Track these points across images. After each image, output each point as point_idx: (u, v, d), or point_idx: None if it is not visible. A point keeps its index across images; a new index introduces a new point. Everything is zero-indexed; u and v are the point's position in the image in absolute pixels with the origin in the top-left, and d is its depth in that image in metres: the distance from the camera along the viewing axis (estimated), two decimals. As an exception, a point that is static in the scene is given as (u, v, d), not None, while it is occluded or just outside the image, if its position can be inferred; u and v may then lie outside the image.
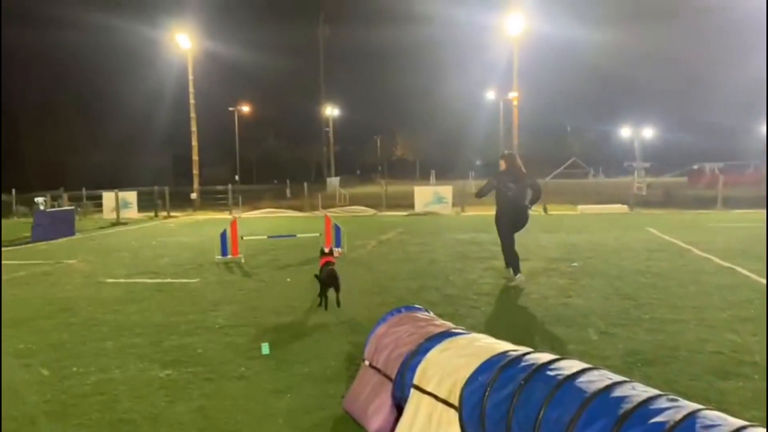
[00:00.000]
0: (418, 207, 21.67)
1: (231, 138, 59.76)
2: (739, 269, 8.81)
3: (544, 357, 3.09)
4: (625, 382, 2.74)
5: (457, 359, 3.38)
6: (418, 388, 3.46)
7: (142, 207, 23.86)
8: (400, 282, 8.48)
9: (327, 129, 58.53)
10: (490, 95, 61.25)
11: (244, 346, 5.59)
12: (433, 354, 3.56)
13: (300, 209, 23.49)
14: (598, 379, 2.78)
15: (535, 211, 21.14)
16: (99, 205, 23.70)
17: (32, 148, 54.66)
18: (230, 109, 56.60)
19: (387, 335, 3.99)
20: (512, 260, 8.40)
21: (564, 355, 3.14)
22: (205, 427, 3.89)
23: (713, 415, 2.35)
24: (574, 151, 69.01)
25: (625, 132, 64.28)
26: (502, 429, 2.88)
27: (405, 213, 21.62)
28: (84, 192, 24.52)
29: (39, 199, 16.93)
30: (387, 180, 40.68)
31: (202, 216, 23.41)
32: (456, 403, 3.15)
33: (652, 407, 2.47)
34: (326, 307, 6.88)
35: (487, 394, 3.02)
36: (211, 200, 26.63)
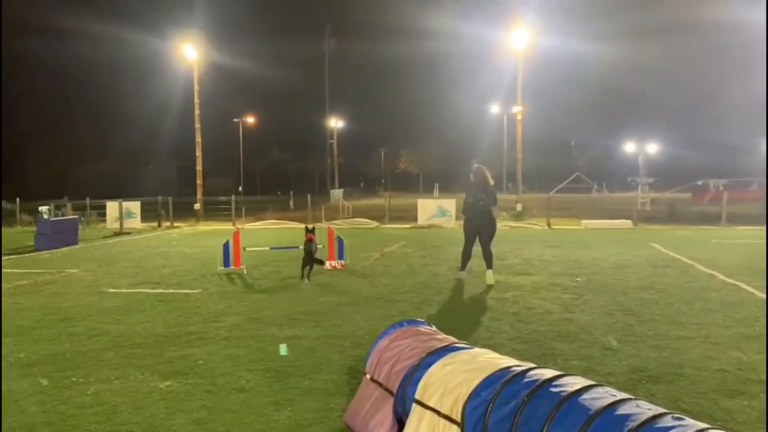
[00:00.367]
0: (422, 220, 21.66)
1: (236, 149, 60.02)
2: (743, 286, 8.76)
3: (547, 373, 3.06)
4: (630, 399, 2.70)
5: (459, 374, 3.35)
6: (420, 403, 3.43)
7: (145, 217, 23.90)
8: (403, 295, 8.44)
9: (331, 141, 58.68)
10: (495, 109, 61.37)
11: (245, 357, 5.56)
12: (435, 369, 3.53)
13: (303, 221, 23.46)
14: (603, 396, 2.74)
15: (538, 225, 21.19)
16: (103, 215, 23.77)
17: (38, 157, 54.95)
18: (235, 120, 56.83)
19: (389, 349, 3.96)
20: (465, 259, 9.74)
21: (567, 372, 3.10)
22: (205, 439, 3.85)
23: (720, 434, 2.31)
24: (578, 165, 69.03)
25: (630, 147, 64.19)
26: (504, 446, 2.84)
27: (408, 226, 21.60)
28: (88, 201, 24.57)
29: (43, 208, 17.01)
30: (390, 192, 40.74)
31: (205, 227, 23.43)
32: (458, 418, 3.12)
33: (657, 426, 2.43)
34: (308, 279, 9.52)
35: (489, 410, 2.99)
36: (215, 211, 26.66)
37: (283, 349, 5.04)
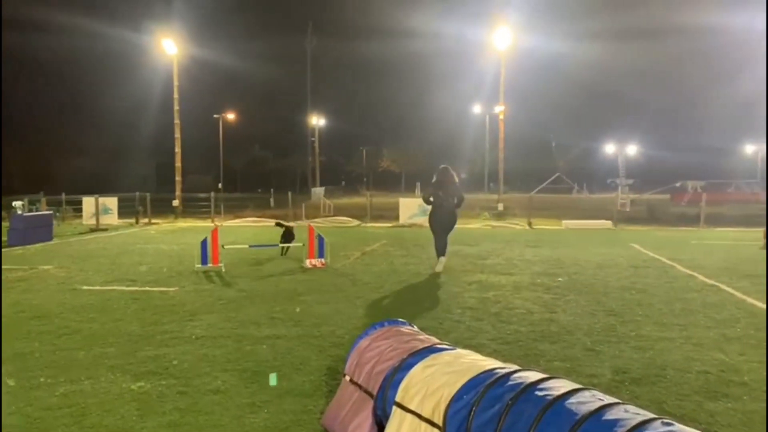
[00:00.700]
0: (403, 219, 21.55)
1: (217, 146, 59.42)
2: (723, 287, 8.79)
3: (532, 376, 2.97)
4: (617, 404, 2.62)
5: (441, 376, 3.25)
6: (400, 405, 3.32)
7: (123, 213, 23.48)
8: (383, 294, 8.34)
9: (313, 139, 58.36)
10: (477, 109, 61.52)
11: (220, 357, 5.41)
12: (416, 370, 3.43)
13: (284, 219, 23.22)
14: (589, 400, 2.66)
15: (519, 225, 21.21)
16: (79, 211, 23.30)
17: (13, 152, 53.89)
18: (215, 116, 56.20)
19: (369, 350, 3.85)
20: (440, 250, 10.46)
21: (553, 374, 3.02)
22: (177, 443, 3.71)
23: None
24: (559, 166, 69.47)
25: (610, 148, 64.78)
26: (488, 451, 2.74)
27: (389, 224, 21.49)
28: (64, 197, 24.09)
29: (16, 203, 16.61)
30: (372, 191, 40.59)
31: (183, 223, 23.10)
32: (440, 422, 3.02)
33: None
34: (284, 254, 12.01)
35: (472, 413, 2.89)
36: (194, 208, 26.29)
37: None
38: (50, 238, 16.06)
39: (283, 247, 12.40)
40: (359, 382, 3.73)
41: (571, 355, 5.46)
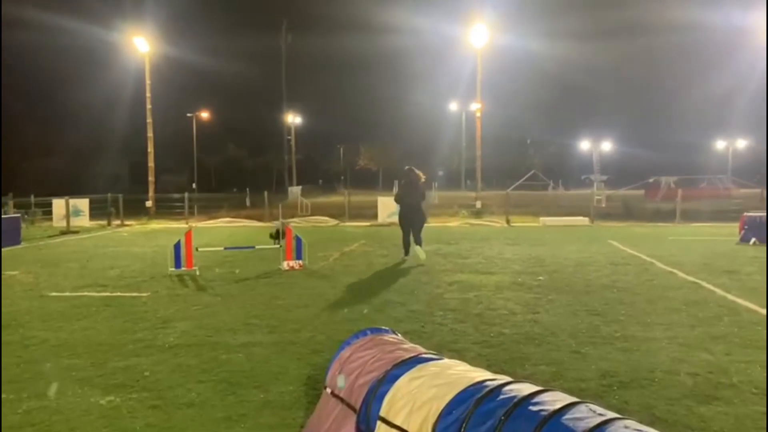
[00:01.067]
0: (382, 217, 21.37)
1: (191, 145, 58.61)
2: (704, 284, 8.77)
3: (525, 389, 2.82)
4: (617, 419, 2.47)
5: (428, 389, 3.08)
6: (385, 421, 3.14)
7: (95, 215, 22.97)
8: (364, 297, 8.15)
9: (289, 137, 57.87)
10: (453, 106, 61.55)
11: (195, 368, 5.18)
12: (402, 382, 3.25)
13: (260, 219, 22.95)
14: (587, 416, 2.51)
15: (497, 222, 21.19)
16: (49, 213, 22.72)
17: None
18: (188, 114, 55.36)
19: (351, 360, 3.67)
20: (405, 247, 11.67)
21: (546, 387, 2.86)
22: (148, 464, 3.49)
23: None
24: (535, 163, 69.92)
25: (584, 145, 65.39)
26: (480, 472, 2.59)
27: (368, 223, 21.32)
28: (33, 199, 23.47)
29: (-18, 206, 16.04)
30: (350, 190, 40.34)
31: (157, 225, 22.66)
32: (429, 440, 2.85)
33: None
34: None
35: (463, 430, 2.73)
36: (168, 208, 25.82)
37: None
38: (18, 242, 15.57)
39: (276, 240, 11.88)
40: (341, 396, 3.54)
41: (556, 358, 5.34)
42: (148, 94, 26.73)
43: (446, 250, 13.33)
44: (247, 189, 36.68)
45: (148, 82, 26.64)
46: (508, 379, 3.05)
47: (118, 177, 58.69)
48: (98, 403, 4.39)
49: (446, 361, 3.42)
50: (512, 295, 8.17)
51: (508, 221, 21.39)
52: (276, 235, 12.55)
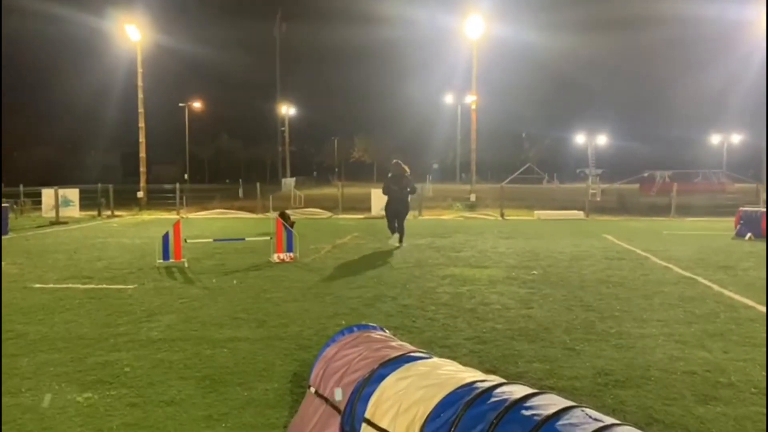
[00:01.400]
0: (375, 210, 21.19)
1: (184, 135, 58.19)
2: (700, 279, 8.65)
3: (517, 391, 2.66)
4: (615, 425, 2.32)
5: (416, 391, 2.92)
6: (370, 423, 2.99)
7: (85, 205, 22.72)
8: (355, 291, 7.99)
9: (282, 128, 57.53)
10: (449, 99, 61.32)
11: (177, 363, 5.01)
12: (388, 382, 3.10)
13: (253, 210, 22.74)
14: (583, 421, 2.36)
15: (492, 216, 21.06)
16: (38, 203, 22.46)
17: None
18: (180, 104, 54.86)
19: (337, 358, 3.51)
20: (392, 229, 12.63)
21: (540, 389, 2.71)
22: (122, 466, 3.33)
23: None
24: (530, 156, 69.84)
25: (579, 139, 65.33)
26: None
27: (361, 216, 21.15)
28: (21, 188, 23.17)
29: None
30: (344, 182, 40.12)
31: (148, 216, 22.42)
32: (415, 445, 2.70)
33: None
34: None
35: (451, 435, 2.57)
36: (160, 199, 25.56)
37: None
38: (6, 232, 15.32)
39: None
40: (325, 395, 3.38)
41: (550, 355, 5.20)
42: (139, 84, 26.43)
43: (439, 243, 13.18)
44: (240, 180, 36.44)
45: (140, 71, 26.33)
46: (500, 380, 2.90)
47: (110, 167, 58.20)
48: (75, 401, 4.22)
49: (435, 360, 3.26)
50: (506, 289, 8.03)
51: (502, 215, 21.25)
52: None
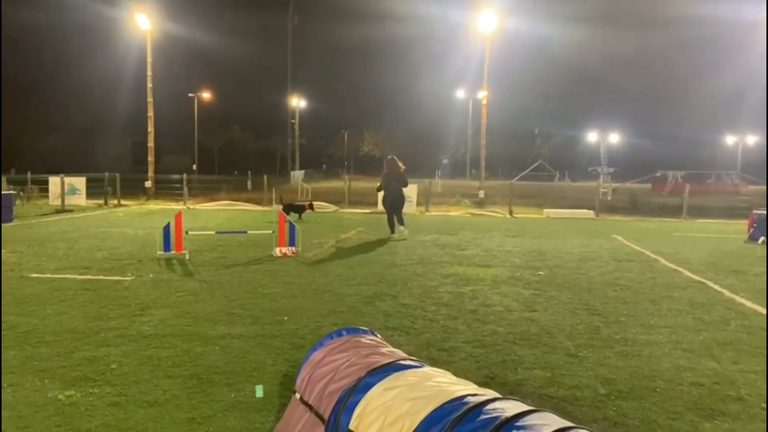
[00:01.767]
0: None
1: (195, 126, 58.19)
2: (710, 284, 8.41)
3: (510, 408, 2.48)
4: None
5: (403, 403, 2.75)
6: (354, 435, 2.82)
7: (92, 194, 22.68)
8: (354, 288, 7.81)
9: (293, 121, 57.37)
10: (461, 94, 60.89)
11: (166, 361, 4.86)
12: (375, 392, 2.92)
13: (260, 203, 22.62)
14: (579, 445, 2.18)
15: (500, 213, 20.82)
16: (46, 191, 22.44)
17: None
18: (190, 95, 54.68)
19: (323, 364, 3.33)
20: (391, 227, 13.24)
21: (535, 407, 2.52)
22: (95, 472, 3.18)
23: None
24: (541, 153, 69.33)
25: (592, 137, 64.74)
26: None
27: (368, 210, 20.96)
28: (29, 176, 23.17)
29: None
30: (352, 176, 39.97)
31: (154, 206, 22.35)
32: (398, 463, 2.52)
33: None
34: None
35: (436, 454, 2.40)
36: (167, 189, 25.50)
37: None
38: (10, 219, 15.29)
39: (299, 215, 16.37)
40: (310, 402, 3.21)
41: (552, 361, 5.00)
42: (149, 73, 26.33)
43: (445, 240, 12.98)
44: (249, 172, 36.34)
45: (149, 60, 26.23)
46: (493, 394, 2.72)
47: (121, 156, 58.30)
48: (56, 398, 4.08)
49: (426, 369, 3.08)
50: (510, 290, 7.83)
51: (511, 212, 21.00)
52: (294, 209, 16.36)
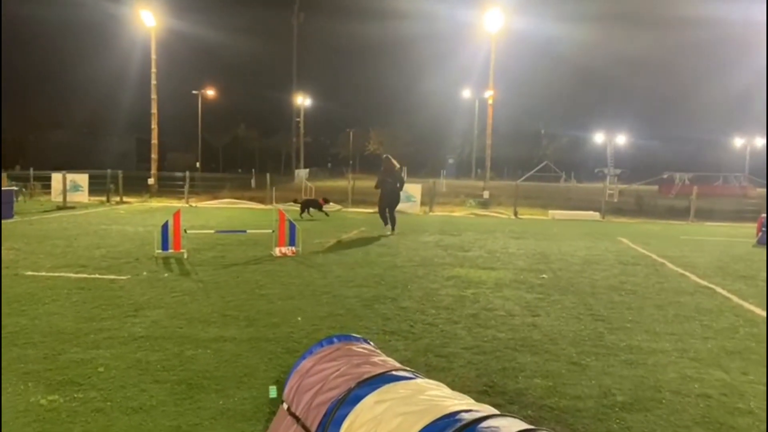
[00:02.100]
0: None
1: (199, 123, 58.08)
2: (718, 289, 8.22)
3: (506, 426, 2.31)
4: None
5: (393, 418, 2.58)
6: (341, 451, 2.66)
7: (95, 191, 22.61)
8: (353, 289, 7.66)
9: (297, 119, 57.25)
10: (467, 94, 60.62)
11: (155, 364, 4.72)
12: (364, 405, 2.76)
13: (263, 201, 22.49)
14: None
15: (504, 214, 20.63)
16: (49, 188, 22.38)
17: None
18: (194, 92, 54.56)
19: (312, 373, 3.17)
20: (384, 221, 13.84)
21: (534, 426, 2.36)
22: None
23: None
24: (547, 154, 69.01)
25: (599, 138, 64.41)
26: None
27: (371, 210, 20.75)
28: (32, 172, 23.11)
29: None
30: (357, 174, 39.81)
31: (157, 203, 22.27)
32: (386, 483, 2.36)
33: None
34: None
35: (426, 476, 2.24)
36: (170, 187, 25.39)
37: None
38: (11, 216, 15.20)
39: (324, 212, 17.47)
40: (297, 414, 3.05)
41: (554, 370, 4.83)
42: (153, 70, 26.22)
43: (448, 241, 12.81)
44: (253, 170, 36.23)
45: (153, 57, 26.12)
46: (489, 410, 2.55)
47: (125, 153, 58.30)
48: (38, 403, 3.95)
49: (419, 381, 2.91)
50: (512, 294, 7.65)
51: (515, 213, 20.81)
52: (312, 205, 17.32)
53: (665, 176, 44.74)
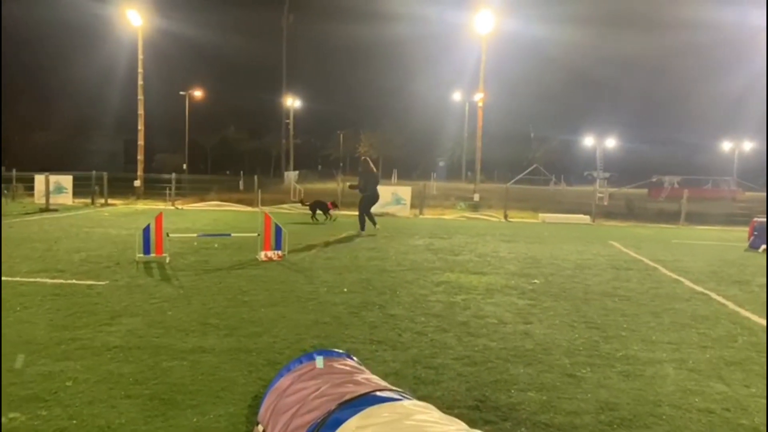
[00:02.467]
0: (375, 207, 20.54)
1: (188, 124, 57.59)
2: (713, 295, 8.04)
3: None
4: None
5: (375, 445, 2.36)
6: (319, 482, 2.43)
7: (80, 193, 22.23)
8: (340, 296, 7.41)
9: (287, 121, 56.89)
10: (457, 96, 60.55)
11: (128, 377, 4.45)
12: (345, 430, 2.53)
13: (250, 204, 22.19)
14: None
15: (495, 217, 20.45)
16: (32, 189, 21.97)
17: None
18: (181, 93, 53.98)
19: (289, 393, 2.93)
20: (362, 224, 14.31)
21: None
22: None
23: None
24: (537, 157, 69.04)
25: (588, 141, 64.53)
26: None
27: (360, 213, 20.51)
28: (14, 173, 22.68)
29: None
30: (348, 176, 39.53)
31: (143, 205, 21.92)
32: None
33: None
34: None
35: None
36: (157, 189, 25.03)
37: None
38: (-10, 218, 14.83)
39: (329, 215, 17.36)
40: (273, 438, 2.81)
41: (548, 382, 4.61)
42: (140, 70, 25.87)
43: (438, 245, 12.58)
44: (241, 172, 35.87)
45: (140, 57, 25.76)
46: (479, 437, 2.32)
47: (113, 154, 57.74)
48: (-3, 422, 3.67)
49: (406, 403, 2.67)
50: (503, 300, 7.44)
51: (506, 216, 20.63)
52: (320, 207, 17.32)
53: (654, 179, 44.81)
